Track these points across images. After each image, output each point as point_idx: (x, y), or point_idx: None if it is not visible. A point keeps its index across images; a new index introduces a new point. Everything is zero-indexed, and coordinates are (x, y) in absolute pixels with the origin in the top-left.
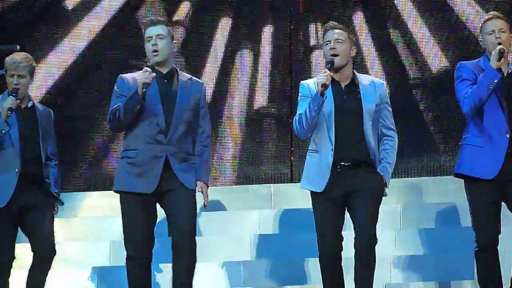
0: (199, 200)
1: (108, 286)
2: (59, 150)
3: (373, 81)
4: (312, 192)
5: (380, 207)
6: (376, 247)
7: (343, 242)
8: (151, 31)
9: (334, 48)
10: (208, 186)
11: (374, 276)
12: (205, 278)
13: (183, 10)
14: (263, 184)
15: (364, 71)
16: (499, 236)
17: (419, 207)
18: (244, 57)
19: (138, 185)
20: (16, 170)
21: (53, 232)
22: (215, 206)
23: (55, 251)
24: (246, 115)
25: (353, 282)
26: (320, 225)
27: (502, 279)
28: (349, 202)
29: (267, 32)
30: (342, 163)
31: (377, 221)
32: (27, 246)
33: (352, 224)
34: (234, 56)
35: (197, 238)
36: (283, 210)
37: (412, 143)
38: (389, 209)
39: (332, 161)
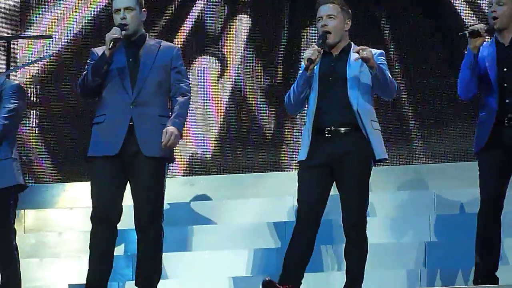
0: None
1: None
2: None
3: None
4: (299, 162)
5: (415, 192)
6: (411, 232)
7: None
8: (119, 4)
9: (326, 25)
10: (180, 134)
11: (409, 261)
12: (238, 264)
13: None
14: None
15: None
16: None
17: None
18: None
19: (103, 148)
20: None
21: None
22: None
23: None
24: None
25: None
26: (300, 193)
27: None
28: (336, 177)
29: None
30: (328, 128)
31: (367, 201)
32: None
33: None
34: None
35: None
36: None
37: None
38: (424, 194)
39: (312, 126)
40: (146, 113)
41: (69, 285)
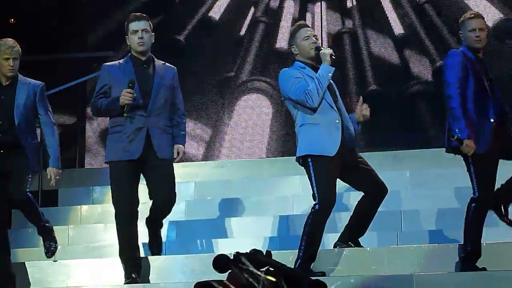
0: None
1: (183, 235)
2: None
3: None
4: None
5: None
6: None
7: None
8: (136, 26)
9: (315, 42)
10: (184, 149)
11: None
12: (257, 228)
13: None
14: None
15: None
16: None
17: None
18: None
19: (126, 153)
20: None
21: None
22: None
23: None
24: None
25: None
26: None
27: None
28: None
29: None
30: None
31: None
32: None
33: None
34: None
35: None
36: None
37: None
38: None
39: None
40: (157, 123)
41: None
